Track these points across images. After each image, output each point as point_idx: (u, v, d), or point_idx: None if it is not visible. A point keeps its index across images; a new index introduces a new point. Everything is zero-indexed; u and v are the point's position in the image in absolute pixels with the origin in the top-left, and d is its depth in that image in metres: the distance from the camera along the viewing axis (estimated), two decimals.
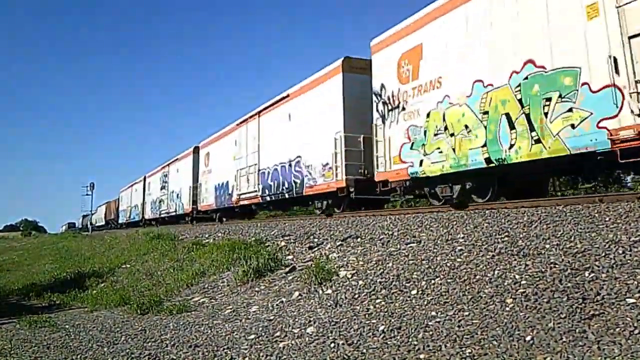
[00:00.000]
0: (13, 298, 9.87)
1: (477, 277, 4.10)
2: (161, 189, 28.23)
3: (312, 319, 4.18)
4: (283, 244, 7.85)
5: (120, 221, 41.64)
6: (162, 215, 27.32)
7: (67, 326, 5.70)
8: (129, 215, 37.57)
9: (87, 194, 43.91)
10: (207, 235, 11.88)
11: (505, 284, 3.82)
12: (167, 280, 7.97)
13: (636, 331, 2.77)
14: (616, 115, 5.67)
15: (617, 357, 2.58)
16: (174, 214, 25.25)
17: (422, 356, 3.07)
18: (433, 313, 3.71)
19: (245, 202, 16.26)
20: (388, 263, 5.11)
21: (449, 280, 4.22)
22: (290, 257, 6.93)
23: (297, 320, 4.23)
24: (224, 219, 19.05)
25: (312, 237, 7.82)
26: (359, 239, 6.71)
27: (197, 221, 22.05)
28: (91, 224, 43.80)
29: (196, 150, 22.37)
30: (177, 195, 24.58)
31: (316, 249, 6.93)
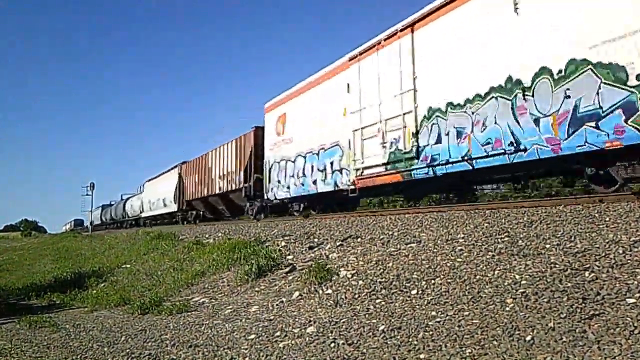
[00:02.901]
0: (13, 298, 9.88)
1: (477, 277, 4.11)
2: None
3: (312, 319, 4.18)
4: (283, 244, 7.85)
5: (274, 195, 13.92)
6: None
7: (67, 326, 5.70)
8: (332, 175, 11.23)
9: (87, 194, 43.50)
10: (207, 235, 11.88)
11: (505, 284, 3.82)
12: (167, 280, 7.97)
13: (636, 331, 2.77)
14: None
15: (617, 357, 2.58)
16: None
17: (422, 356, 3.07)
18: (433, 313, 3.71)
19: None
20: (388, 263, 5.12)
21: (449, 280, 4.23)
22: (290, 257, 6.93)
23: (297, 320, 4.23)
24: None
25: (312, 237, 7.83)
26: (359, 239, 6.71)
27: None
28: (113, 218, 39.30)
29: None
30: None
31: (316, 249, 6.94)
